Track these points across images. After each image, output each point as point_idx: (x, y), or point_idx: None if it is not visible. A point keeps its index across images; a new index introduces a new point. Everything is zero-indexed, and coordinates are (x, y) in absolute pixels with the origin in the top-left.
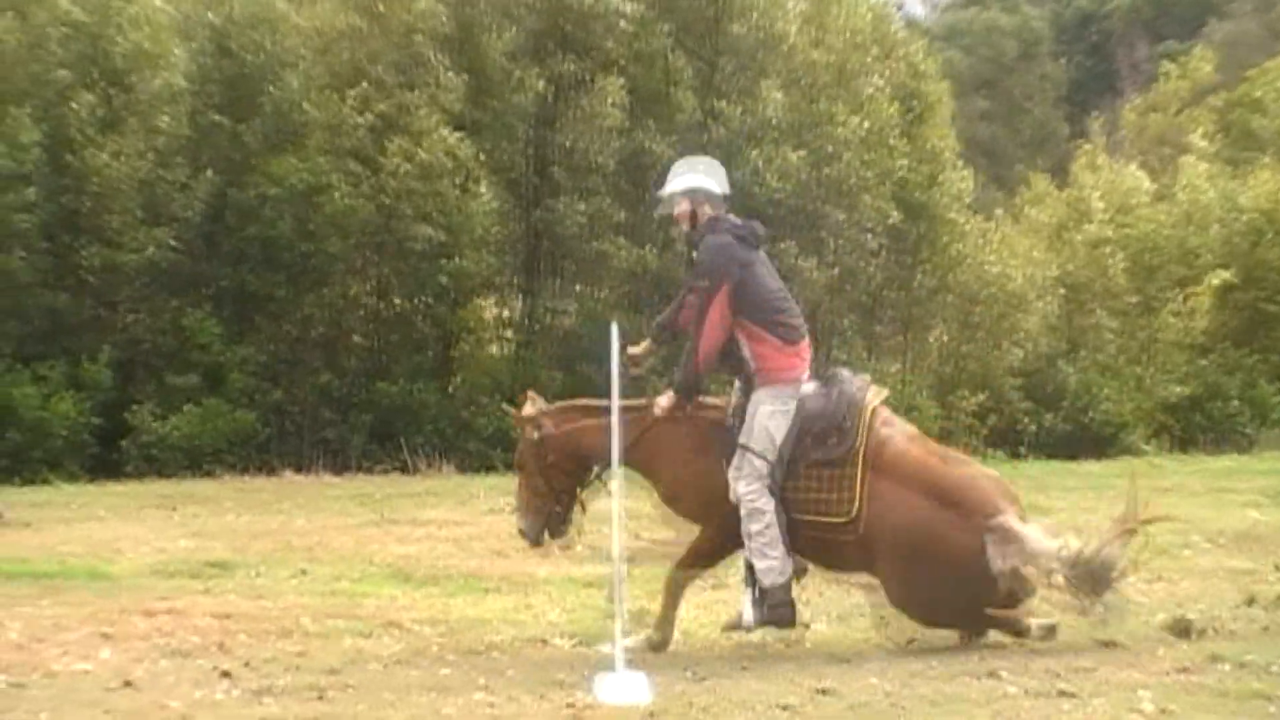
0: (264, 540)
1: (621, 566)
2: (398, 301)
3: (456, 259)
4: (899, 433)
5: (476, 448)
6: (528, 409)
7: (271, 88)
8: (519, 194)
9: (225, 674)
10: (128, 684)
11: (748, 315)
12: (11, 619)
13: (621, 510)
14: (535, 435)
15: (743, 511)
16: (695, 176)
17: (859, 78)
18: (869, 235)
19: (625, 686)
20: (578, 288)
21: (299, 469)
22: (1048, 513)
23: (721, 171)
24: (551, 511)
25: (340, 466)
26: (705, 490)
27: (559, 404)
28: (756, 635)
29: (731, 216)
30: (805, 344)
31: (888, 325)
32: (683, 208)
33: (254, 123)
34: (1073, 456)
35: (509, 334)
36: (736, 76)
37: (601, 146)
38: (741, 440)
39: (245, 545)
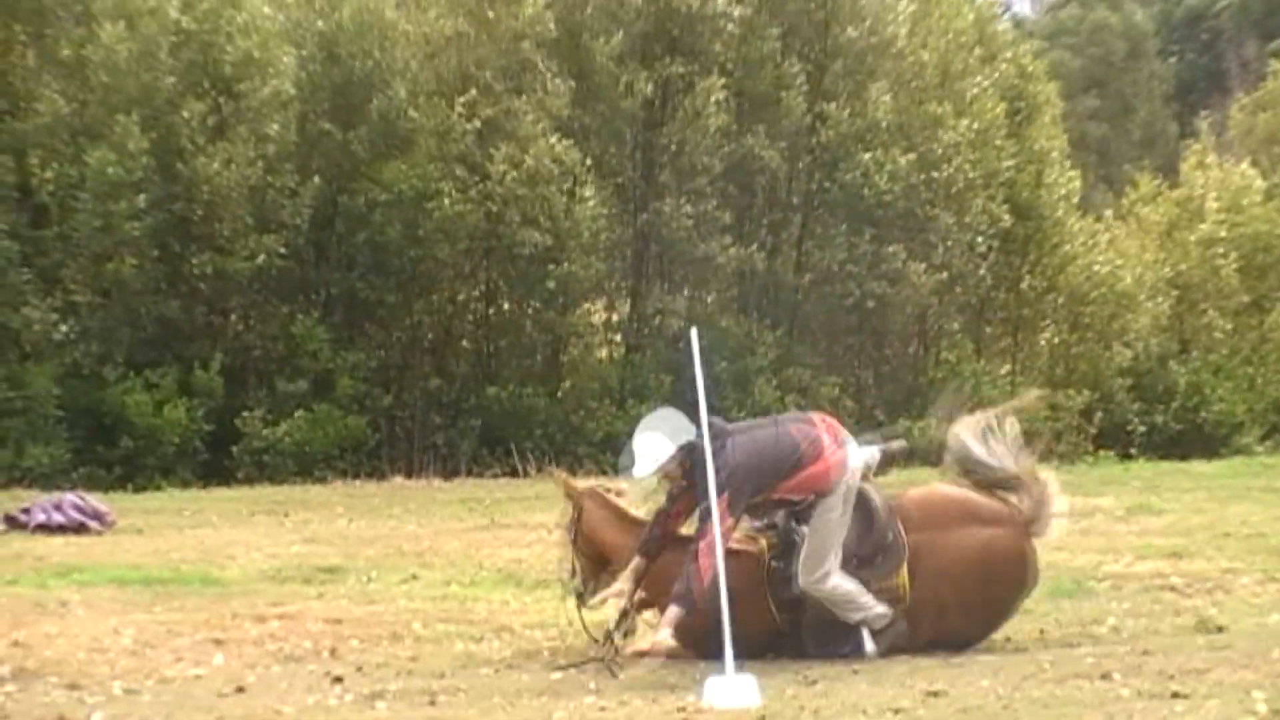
0: (375, 545)
1: (724, 573)
2: (506, 306)
3: (564, 263)
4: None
5: (586, 451)
6: (578, 484)
7: (379, 95)
8: (625, 197)
9: (337, 679)
10: (240, 689)
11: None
12: (125, 625)
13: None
14: (574, 513)
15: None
16: (659, 447)
17: (964, 79)
18: (979, 238)
19: (735, 690)
20: (685, 290)
21: (409, 474)
22: (1161, 514)
23: (678, 416)
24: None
25: (450, 471)
26: None
27: (602, 490)
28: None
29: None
30: (820, 441)
31: (997, 327)
32: (666, 473)
33: (361, 130)
34: (1184, 457)
35: (617, 338)
36: (845, 79)
37: (708, 149)
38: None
39: (356, 550)
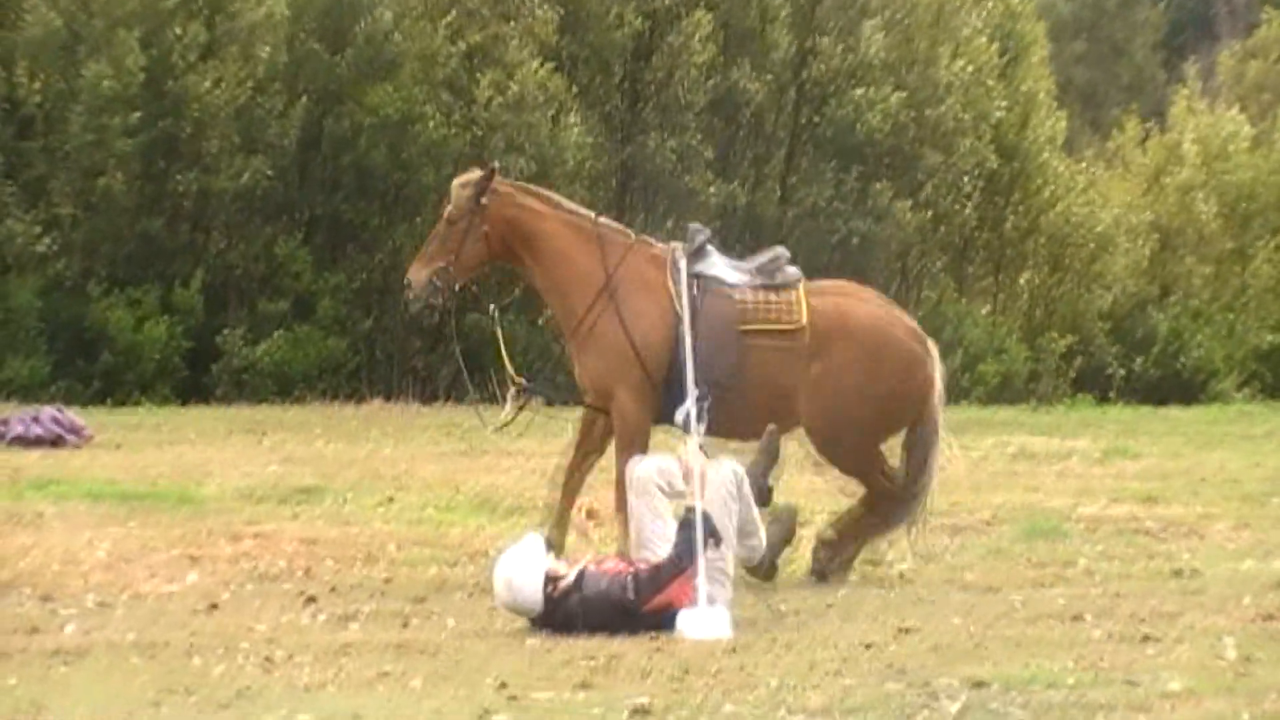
0: (352, 468)
1: (698, 503)
2: None
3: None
4: None
5: (564, 380)
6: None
7: (365, 16)
8: (612, 128)
9: (311, 599)
10: (214, 607)
11: None
12: (100, 539)
13: (698, 448)
14: (483, 198)
15: None
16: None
17: (956, 17)
18: (965, 178)
19: (707, 621)
20: (668, 224)
21: (388, 397)
22: (1137, 458)
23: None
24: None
25: (429, 396)
26: None
27: (524, 188)
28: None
29: None
30: None
31: (979, 267)
32: None
33: (348, 52)
34: (1161, 402)
35: None
36: (837, 15)
37: (693, 83)
38: None
39: (333, 472)
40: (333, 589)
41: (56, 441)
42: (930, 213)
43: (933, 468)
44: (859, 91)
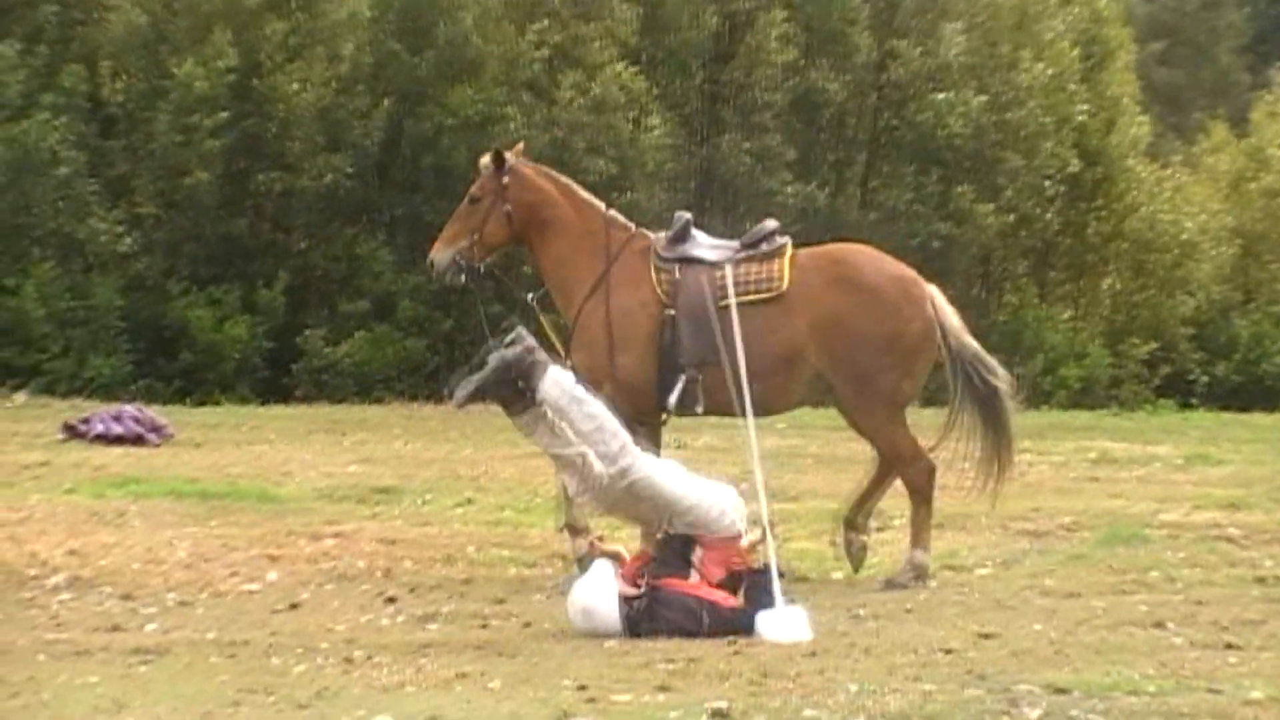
0: (431, 468)
1: (770, 504)
2: None
3: (628, 192)
4: None
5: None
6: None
7: (446, 19)
8: (691, 129)
9: (390, 599)
10: (294, 606)
11: None
12: (181, 538)
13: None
14: (505, 177)
15: None
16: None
17: (1039, 22)
18: (1046, 182)
19: (786, 624)
20: (747, 225)
21: None
22: (1219, 464)
23: None
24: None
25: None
26: None
27: (545, 171)
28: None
29: None
30: None
31: (1060, 272)
32: None
33: (429, 53)
34: (1244, 409)
35: None
36: (917, 18)
37: (773, 84)
38: None
39: (412, 472)
40: (412, 589)
41: (138, 440)
42: (1012, 216)
43: (1006, 421)
44: (940, 95)
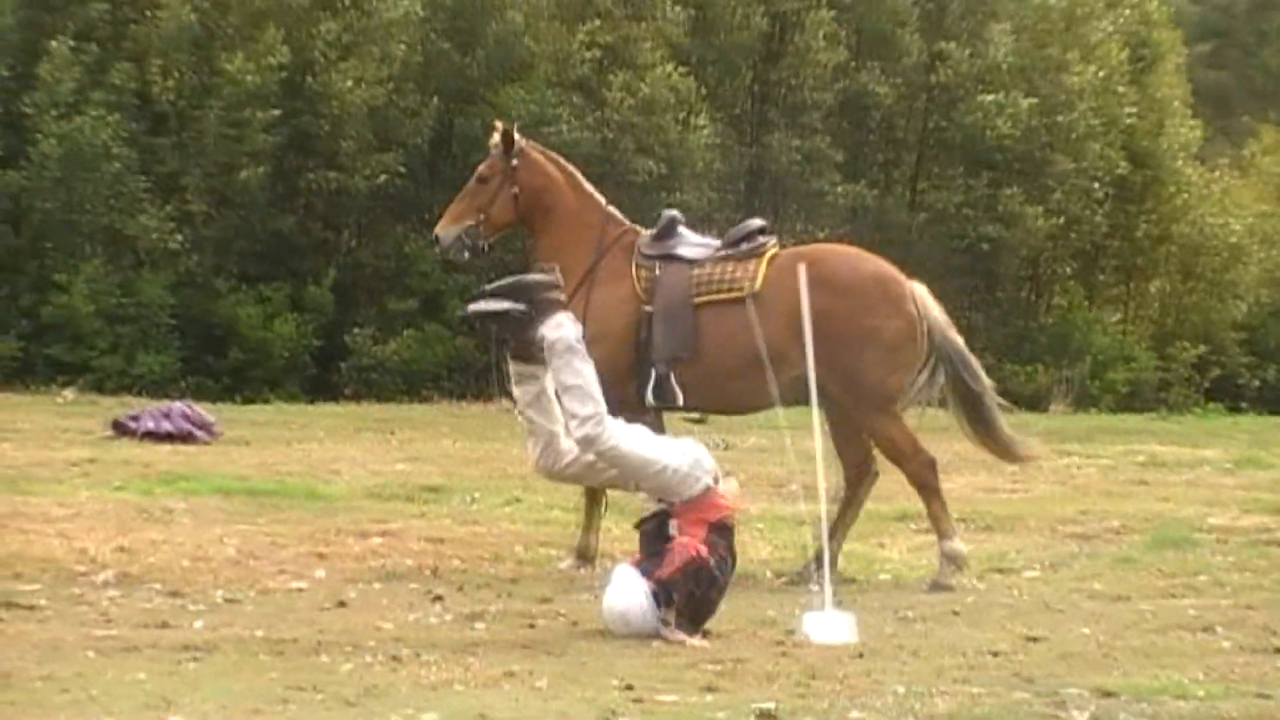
0: (479, 466)
1: (827, 506)
2: None
3: (677, 192)
4: None
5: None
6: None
7: (496, 18)
8: (740, 129)
9: (437, 598)
10: (341, 604)
11: None
12: (229, 535)
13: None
14: (515, 159)
15: None
16: None
17: (1087, 23)
18: (1095, 184)
19: (834, 626)
20: (796, 226)
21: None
22: (1269, 468)
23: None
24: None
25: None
26: None
27: (552, 158)
28: (974, 582)
29: None
30: None
31: (1109, 274)
32: None
33: (479, 53)
34: None
35: None
36: (965, 19)
37: (821, 84)
38: None
39: (460, 471)
40: (459, 588)
41: (186, 437)
42: (1061, 219)
43: (996, 420)
44: (988, 97)
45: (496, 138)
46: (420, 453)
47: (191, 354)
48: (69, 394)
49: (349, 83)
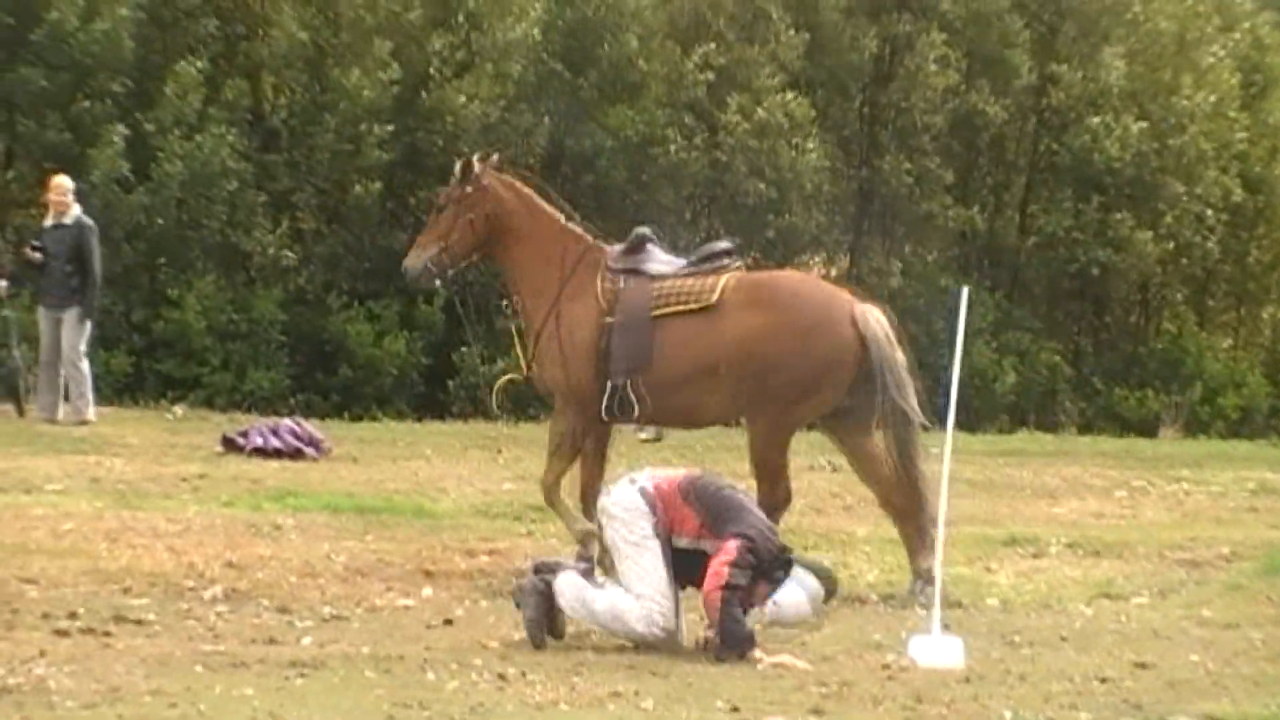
0: None
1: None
2: None
3: (786, 215)
4: None
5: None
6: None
7: (610, 40)
8: (849, 152)
9: None
10: (448, 622)
11: None
12: (337, 552)
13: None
14: (469, 186)
15: None
16: None
17: (1199, 47)
18: (1208, 210)
19: (941, 650)
20: (906, 248)
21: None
22: None
23: None
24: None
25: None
26: None
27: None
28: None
29: None
30: None
31: (1220, 300)
32: None
33: (591, 74)
34: None
35: None
36: (1078, 42)
37: (930, 106)
38: None
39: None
40: None
41: (295, 454)
42: (1172, 244)
43: (917, 467)
44: (1096, 120)
45: (457, 167)
46: (527, 471)
47: (301, 371)
48: (179, 410)
49: (463, 99)
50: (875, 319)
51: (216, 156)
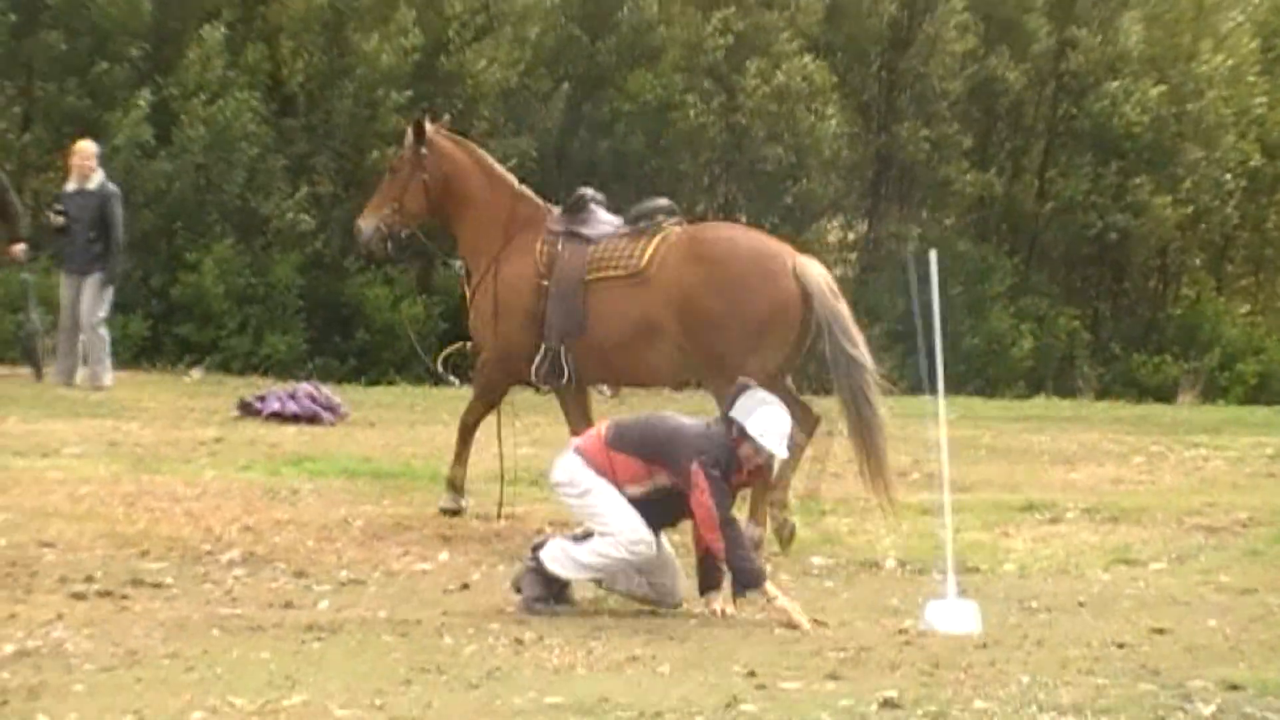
0: None
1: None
2: (744, 220)
3: (804, 180)
4: None
5: (815, 370)
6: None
7: (629, 4)
8: (868, 117)
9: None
10: (465, 587)
11: None
12: (354, 516)
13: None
14: (423, 148)
15: None
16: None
17: (1218, 12)
18: (1227, 175)
19: (957, 615)
20: (923, 214)
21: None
22: None
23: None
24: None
25: (682, 381)
26: None
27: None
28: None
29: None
30: None
31: (1239, 265)
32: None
33: (610, 39)
34: None
35: (852, 257)
36: (1096, 6)
37: (950, 71)
38: None
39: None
40: None
41: (312, 418)
42: (1190, 209)
43: (876, 414)
44: (1115, 84)
45: (409, 130)
46: (544, 437)
47: (319, 335)
48: (196, 374)
49: (482, 63)
50: (816, 272)
51: (238, 121)
